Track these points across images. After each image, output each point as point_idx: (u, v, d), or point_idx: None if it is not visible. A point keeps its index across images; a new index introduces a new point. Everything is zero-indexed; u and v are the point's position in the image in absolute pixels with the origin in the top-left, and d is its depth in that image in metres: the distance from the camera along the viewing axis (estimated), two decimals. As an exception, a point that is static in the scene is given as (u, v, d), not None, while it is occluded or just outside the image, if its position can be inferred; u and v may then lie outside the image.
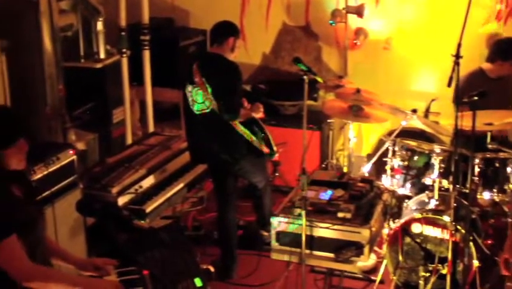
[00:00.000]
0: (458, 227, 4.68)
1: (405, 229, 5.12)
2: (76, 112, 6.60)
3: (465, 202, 4.94)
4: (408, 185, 5.43)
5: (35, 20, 5.86)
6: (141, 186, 5.49)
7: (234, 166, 5.73)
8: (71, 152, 5.24)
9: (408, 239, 5.12)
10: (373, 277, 5.57)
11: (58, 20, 6.06)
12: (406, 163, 5.41)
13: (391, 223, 5.30)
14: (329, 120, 7.27)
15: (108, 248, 3.74)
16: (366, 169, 5.92)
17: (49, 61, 5.97)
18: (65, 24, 6.80)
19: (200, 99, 5.59)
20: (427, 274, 4.95)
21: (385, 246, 5.24)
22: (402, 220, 5.14)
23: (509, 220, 5.02)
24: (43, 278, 3.36)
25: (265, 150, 5.79)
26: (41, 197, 4.78)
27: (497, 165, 5.19)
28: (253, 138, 5.70)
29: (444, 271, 4.82)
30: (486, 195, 5.20)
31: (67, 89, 6.19)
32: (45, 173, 4.91)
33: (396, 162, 5.42)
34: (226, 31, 5.74)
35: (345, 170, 6.84)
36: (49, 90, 6.02)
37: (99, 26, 6.91)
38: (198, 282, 3.55)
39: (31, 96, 6.03)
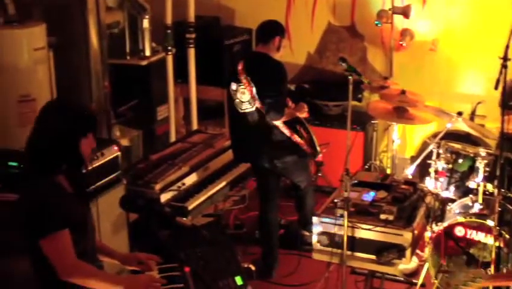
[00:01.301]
0: (502, 232, 4.62)
1: (448, 233, 5.07)
2: (121, 108, 6.67)
3: (510, 207, 4.88)
4: (452, 188, 5.38)
5: (82, 18, 5.94)
6: (183, 184, 5.51)
7: (277, 165, 5.73)
8: (115, 148, 5.27)
9: (450, 243, 5.07)
10: (414, 280, 5.53)
11: (104, 18, 6.14)
12: (450, 166, 5.36)
13: (433, 226, 5.24)
14: (373, 121, 7.24)
15: (150, 244, 3.76)
16: (410, 171, 5.87)
17: (95, 57, 6.04)
18: (112, 22, 6.88)
19: (244, 98, 5.60)
20: (470, 279, 4.90)
21: (427, 249, 5.20)
22: (445, 224, 5.09)
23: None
24: (84, 275, 3.39)
25: (308, 150, 5.78)
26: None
27: (543, 169, 5.11)
28: (297, 137, 5.69)
29: (487, 276, 4.77)
30: (531, 200, 5.13)
31: (113, 86, 6.25)
32: (89, 168, 4.95)
33: (440, 164, 5.37)
34: (272, 30, 5.73)
35: (388, 171, 6.80)
36: (94, 86, 6.09)
37: (145, 23, 6.97)
38: (239, 280, 3.56)
39: (77, 91, 6.10)
